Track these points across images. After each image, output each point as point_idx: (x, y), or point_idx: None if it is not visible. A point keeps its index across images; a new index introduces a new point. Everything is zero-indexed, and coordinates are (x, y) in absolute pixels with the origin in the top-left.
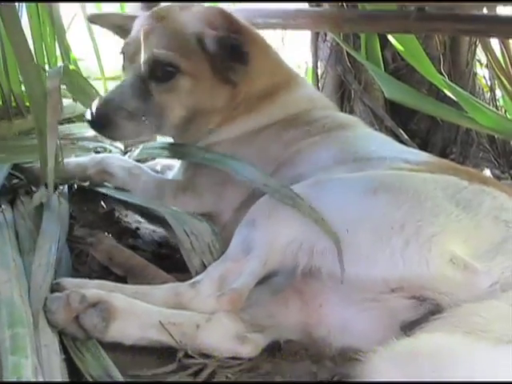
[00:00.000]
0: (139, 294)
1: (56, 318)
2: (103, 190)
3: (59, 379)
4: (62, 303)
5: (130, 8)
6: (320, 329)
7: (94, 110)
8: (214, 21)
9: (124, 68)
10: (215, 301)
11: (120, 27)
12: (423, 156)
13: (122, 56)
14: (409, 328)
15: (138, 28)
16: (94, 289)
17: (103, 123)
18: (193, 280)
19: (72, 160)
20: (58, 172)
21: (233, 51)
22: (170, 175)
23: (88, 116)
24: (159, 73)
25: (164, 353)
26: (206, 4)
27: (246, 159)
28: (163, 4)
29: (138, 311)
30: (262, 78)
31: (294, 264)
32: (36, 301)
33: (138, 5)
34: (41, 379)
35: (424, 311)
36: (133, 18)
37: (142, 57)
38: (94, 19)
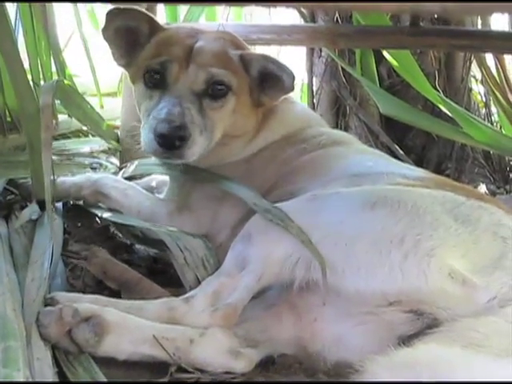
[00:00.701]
0: (133, 308)
1: (48, 332)
2: (96, 211)
3: None
4: (54, 317)
5: None
6: (314, 343)
7: (168, 125)
8: (240, 43)
9: (166, 85)
10: (209, 316)
11: (128, 30)
12: (420, 172)
13: (146, 72)
14: (406, 343)
15: (171, 46)
16: (87, 303)
17: (184, 136)
18: (187, 295)
19: (67, 179)
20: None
21: (268, 75)
22: (163, 194)
23: (163, 130)
24: (211, 91)
25: (157, 367)
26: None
27: (244, 178)
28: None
29: (131, 326)
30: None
31: (290, 278)
32: (29, 314)
33: None
34: None
35: (421, 326)
36: (147, 18)
37: (195, 75)
38: (113, 15)
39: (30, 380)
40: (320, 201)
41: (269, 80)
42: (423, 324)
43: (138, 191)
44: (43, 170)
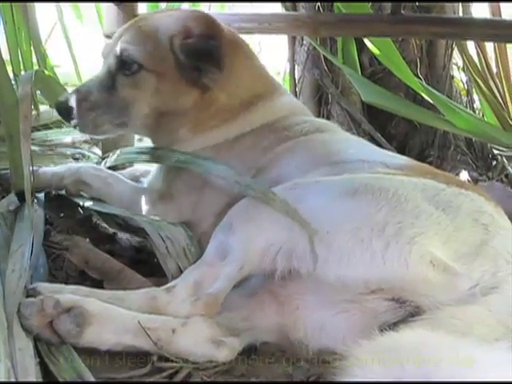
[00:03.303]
0: (114, 298)
1: (30, 324)
2: (79, 201)
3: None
4: (35, 308)
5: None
6: (297, 331)
7: (59, 99)
8: (190, 25)
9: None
10: (190, 305)
11: None
12: (402, 159)
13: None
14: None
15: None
16: (68, 294)
17: (66, 112)
18: (168, 285)
19: (48, 169)
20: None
21: (202, 55)
22: (146, 183)
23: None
24: (125, 68)
25: (140, 358)
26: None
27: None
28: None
29: (113, 316)
30: (241, 87)
31: (271, 267)
32: (10, 305)
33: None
34: None
35: (404, 314)
36: None
37: (113, 50)
38: None
39: (11, 370)
40: (301, 189)
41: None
42: (405, 312)
43: (120, 180)
44: (22, 160)
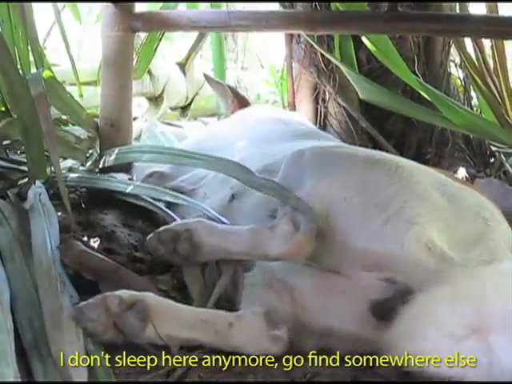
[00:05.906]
0: (224, 235)
1: (97, 326)
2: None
3: None
4: (102, 309)
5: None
6: (304, 315)
7: None
8: None
9: None
10: (291, 240)
11: None
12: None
13: None
14: (377, 308)
15: None
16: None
17: None
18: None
19: None
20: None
21: None
22: None
23: None
24: None
25: (141, 357)
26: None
27: None
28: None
29: (171, 310)
30: None
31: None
32: (51, 300)
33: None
34: None
35: (393, 293)
36: None
37: None
38: None
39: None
40: (328, 153)
41: None
42: (396, 292)
43: None
44: (52, 159)
